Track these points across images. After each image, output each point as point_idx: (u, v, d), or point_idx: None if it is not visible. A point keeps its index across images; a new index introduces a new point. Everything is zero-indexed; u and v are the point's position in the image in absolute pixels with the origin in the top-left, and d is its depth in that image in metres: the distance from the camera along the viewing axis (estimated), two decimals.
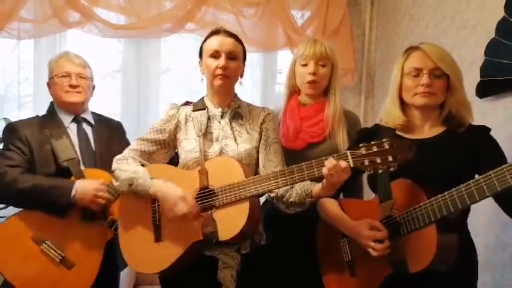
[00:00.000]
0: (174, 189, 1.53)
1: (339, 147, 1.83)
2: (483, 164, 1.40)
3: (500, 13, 1.94)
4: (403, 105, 1.56)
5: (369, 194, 1.88)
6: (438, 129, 1.53)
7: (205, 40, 1.66)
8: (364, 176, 1.65)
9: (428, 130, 1.54)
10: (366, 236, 1.42)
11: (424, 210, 1.36)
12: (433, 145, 1.49)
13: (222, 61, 1.58)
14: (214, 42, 1.61)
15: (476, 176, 1.31)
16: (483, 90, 2.03)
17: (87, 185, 1.80)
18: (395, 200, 1.44)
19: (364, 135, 1.59)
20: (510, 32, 1.89)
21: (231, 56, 1.61)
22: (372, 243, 1.40)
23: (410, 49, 1.55)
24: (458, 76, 1.50)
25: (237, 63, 1.63)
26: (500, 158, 1.42)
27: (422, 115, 1.54)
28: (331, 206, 1.62)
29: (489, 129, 1.49)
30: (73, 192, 1.77)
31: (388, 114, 1.59)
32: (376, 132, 1.60)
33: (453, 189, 1.31)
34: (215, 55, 1.60)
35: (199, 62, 1.69)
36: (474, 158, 1.44)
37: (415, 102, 1.51)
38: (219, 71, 1.59)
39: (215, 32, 1.65)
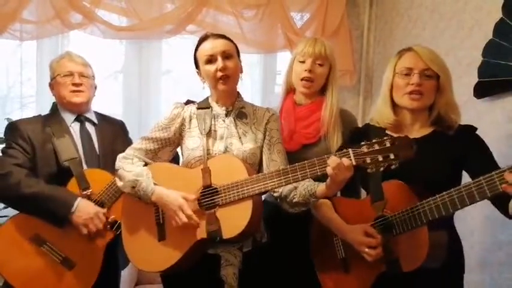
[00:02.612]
0: (175, 197, 1.53)
1: (332, 150, 1.82)
2: (472, 165, 1.45)
3: (498, 14, 1.95)
4: (394, 105, 1.59)
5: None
6: (427, 130, 1.57)
7: (196, 49, 1.67)
8: None
9: (417, 130, 1.57)
10: (361, 242, 1.45)
11: (416, 212, 1.39)
12: (420, 145, 1.44)
13: (219, 63, 1.59)
14: (207, 47, 1.62)
15: (467, 175, 1.33)
16: (480, 91, 2.06)
17: (88, 207, 1.78)
18: (387, 201, 1.46)
19: (355, 135, 1.63)
20: (507, 33, 1.90)
21: (226, 55, 1.62)
22: (367, 249, 1.43)
23: (403, 50, 1.59)
24: (448, 78, 1.54)
25: (234, 60, 1.64)
26: (489, 158, 1.46)
27: (412, 116, 1.57)
28: (325, 207, 1.63)
29: (475, 129, 1.53)
30: (73, 208, 1.76)
31: (378, 113, 1.62)
32: (366, 132, 1.63)
33: (444, 192, 1.34)
34: (211, 59, 1.61)
35: (197, 72, 1.71)
36: (463, 159, 1.48)
37: (403, 103, 1.55)
38: (219, 74, 1.60)
39: (203, 39, 1.66)
